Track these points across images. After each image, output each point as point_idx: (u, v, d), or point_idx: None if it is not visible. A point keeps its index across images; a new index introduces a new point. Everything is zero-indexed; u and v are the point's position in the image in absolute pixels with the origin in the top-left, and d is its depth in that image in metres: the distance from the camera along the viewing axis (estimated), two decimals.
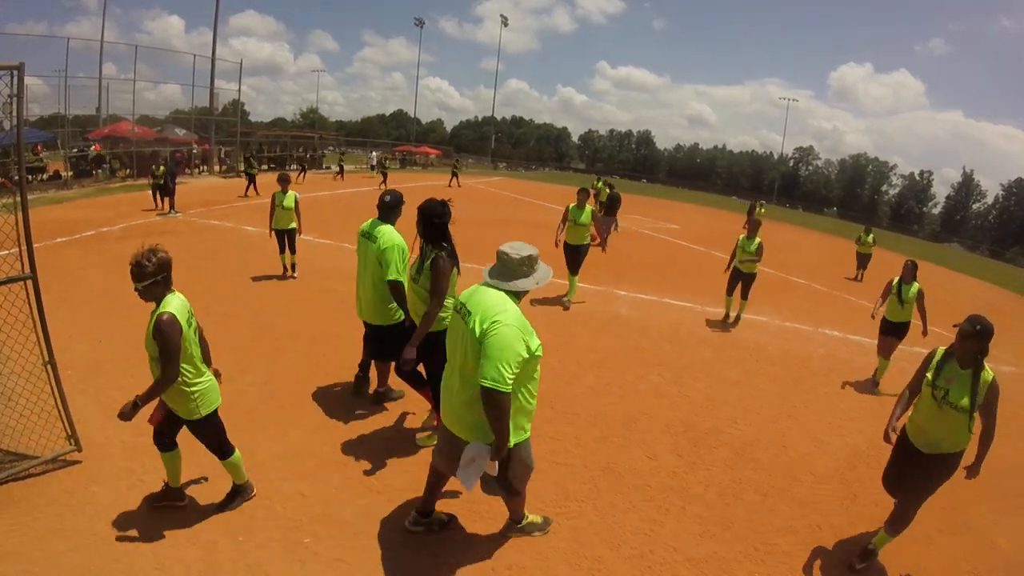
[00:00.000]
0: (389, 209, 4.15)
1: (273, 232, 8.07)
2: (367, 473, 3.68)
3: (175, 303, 2.83)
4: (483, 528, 3.27)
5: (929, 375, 3.19)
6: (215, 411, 3.02)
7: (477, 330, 2.44)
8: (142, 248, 2.83)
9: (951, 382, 3.09)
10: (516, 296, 2.60)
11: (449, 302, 3.50)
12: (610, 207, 15.50)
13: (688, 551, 3.26)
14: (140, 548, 2.87)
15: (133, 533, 2.96)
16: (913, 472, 3.24)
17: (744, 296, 8.11)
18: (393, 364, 3.94)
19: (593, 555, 3.15)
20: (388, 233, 4.03)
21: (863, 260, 14.70)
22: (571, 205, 7.96)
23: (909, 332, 6.42)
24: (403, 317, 3.99)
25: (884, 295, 6.53)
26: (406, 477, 3.67)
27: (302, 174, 23.01)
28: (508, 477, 2.75)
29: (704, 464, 4.24)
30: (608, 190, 17.51)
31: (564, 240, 8.02)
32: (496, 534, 3.22)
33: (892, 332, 6.44)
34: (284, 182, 8.15)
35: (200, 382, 2.92)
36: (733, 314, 8.30)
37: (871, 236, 14.81)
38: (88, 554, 2.79)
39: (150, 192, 13.91)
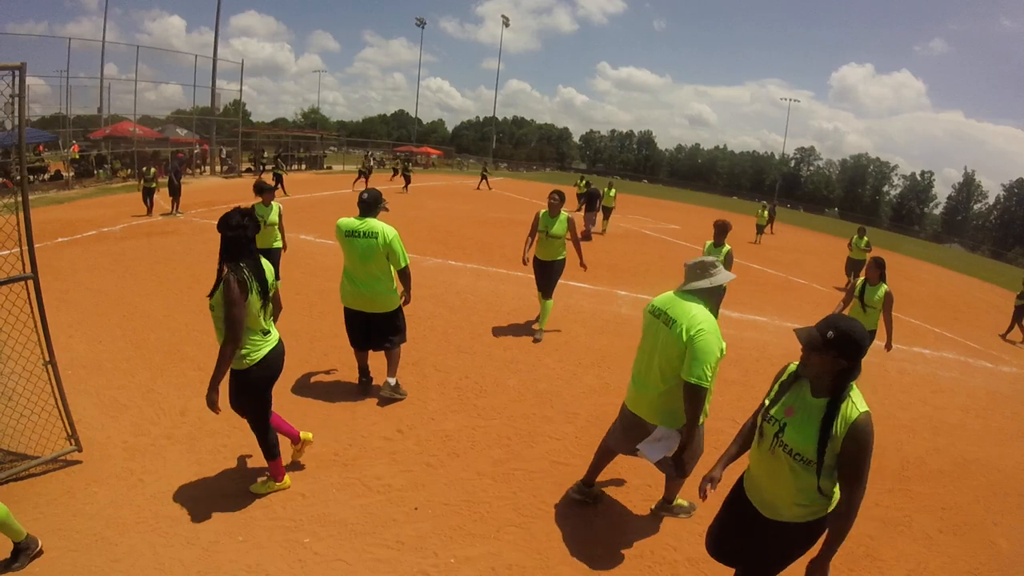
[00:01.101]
0: (371, 206, 4.39)
1: None
2: (367, 473, 3.68)
3: None
4: (483, 528, 3.27)
5: (766, 401, 2.23)
6: None
7: (684, 336, 2.82)
8: None
9: (791, 413, 2.07)
10: (700, 296, 2.97)
11: (256, 337, 3.06)
12: (589, 203, 15.86)
13: (688, 551, 3.26)
14: (140, 548, 2.87)
15: (133, 533, 2.97)
16: (746, 539, 2.30)
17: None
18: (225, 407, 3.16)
19: (593, 555, 3.14)
20: (386, 227, 4.33)
21: (855, 267, 12.76)
22: (542, 211, 6.32)
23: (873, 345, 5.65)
24: (401, 299, 4.54)
25: (846, 299, 5.67)
26: (406, 477, 3.67)
27: (398, 176, 22.65)
28: (683, 458, 3.04)
29: (704, 464, 4.23)
30: (587, 187, 17.65)
31: (533, 255, 6.49)
32: (496, 533, 3.22)
33: None
34: (264, 192, 6.65)
35: None
36: None
37: (865, 240, 12.99)
38: (88, 554, 2.80)
39: (141, 196, 13.02)
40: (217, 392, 2.92)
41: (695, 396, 2.79)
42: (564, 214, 6.27)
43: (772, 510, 2.16)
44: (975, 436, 5.40)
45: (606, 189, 16.92)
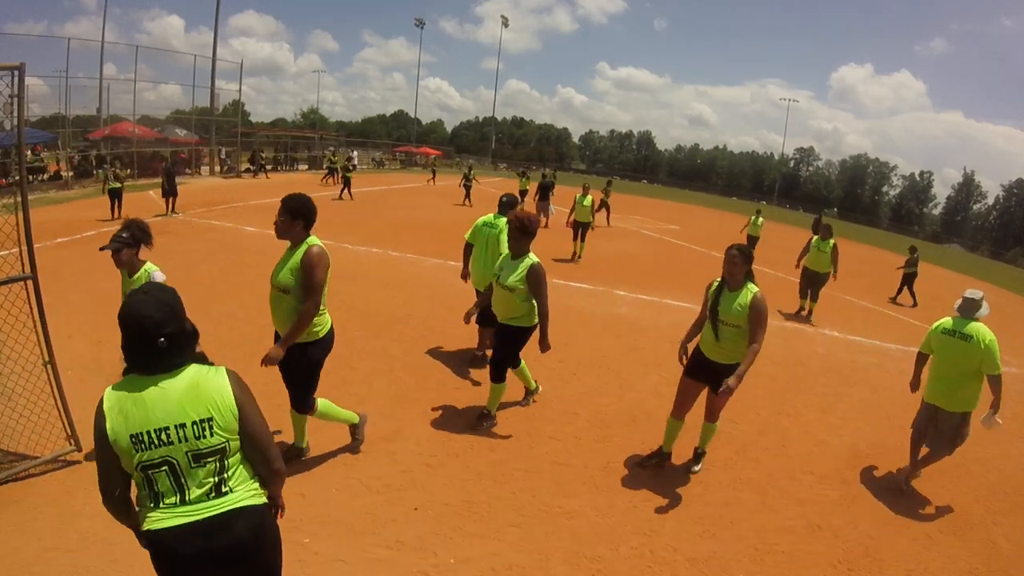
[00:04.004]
0: (506, 207, 5.17)
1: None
2: (367, 473, 3.68)
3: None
4: (483, 528, 3.27)
5: None
6: None
7: (982, 345, 3.91)
8: None
9: None
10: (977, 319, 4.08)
11: None
12: (543, 194, 16.11)
13: (688, 551, 3.26)
14: (139, 549, 2.86)
15: (132, 533, 2.96)
16: None
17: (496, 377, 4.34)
18: None
19: (593, 555, 3.15)
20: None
21: (812, 281, 9.67)
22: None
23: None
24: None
25: (701, 315, 3.91)
26: (406, 477, 3.67)
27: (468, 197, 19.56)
28: (956, 438, 4.11)
29: (704, 464, 4.24)
30: (542, 178, 17.74)
31: None
32: (496, 533, 3.22)
33: (701, 373, 3.82)
34: (120, 247, 3.32)
35: None
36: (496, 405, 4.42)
37: (831, 243, 9.45)
38: (87, 554, 2.80)
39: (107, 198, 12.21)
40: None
41: (998, 382, 3.88)
42: (303, 249, 3.35)
43: None
44: (975, 436, 5.38)
45: (579, 196, 12.16)
